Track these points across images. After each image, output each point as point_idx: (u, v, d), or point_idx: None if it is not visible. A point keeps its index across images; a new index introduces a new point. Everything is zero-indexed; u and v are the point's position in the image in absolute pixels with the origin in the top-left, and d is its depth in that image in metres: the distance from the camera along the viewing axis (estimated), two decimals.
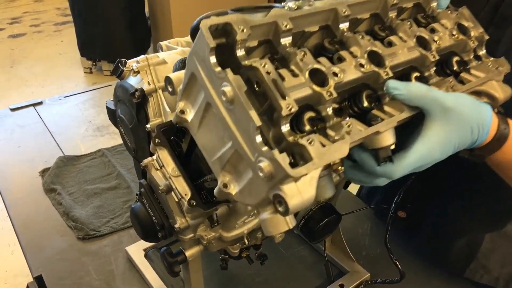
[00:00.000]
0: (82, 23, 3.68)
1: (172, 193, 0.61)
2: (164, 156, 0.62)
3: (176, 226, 0.63)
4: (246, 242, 0.73)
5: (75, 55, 4.08)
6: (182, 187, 0.60)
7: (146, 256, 0.99)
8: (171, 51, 0.79)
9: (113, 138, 1.48)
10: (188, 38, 0.88)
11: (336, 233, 1.03)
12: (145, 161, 0.64)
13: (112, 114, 0.80)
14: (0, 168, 1.33)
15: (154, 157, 0.64)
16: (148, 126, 0.68)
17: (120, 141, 1.44)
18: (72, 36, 4.10)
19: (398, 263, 0.91)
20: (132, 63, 0.73)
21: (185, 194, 0.59)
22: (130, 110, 0.71)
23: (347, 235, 1.04)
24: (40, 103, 1.64)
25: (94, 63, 3.94)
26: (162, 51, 0.84)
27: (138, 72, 0.71)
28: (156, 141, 0.62)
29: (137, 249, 1.04)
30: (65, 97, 1.70)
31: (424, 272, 1.03)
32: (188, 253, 0.72)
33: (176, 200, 0.60)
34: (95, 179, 1.30)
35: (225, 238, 0.70)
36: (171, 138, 0.62)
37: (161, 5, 3.84)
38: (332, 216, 0.81)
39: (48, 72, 4.02)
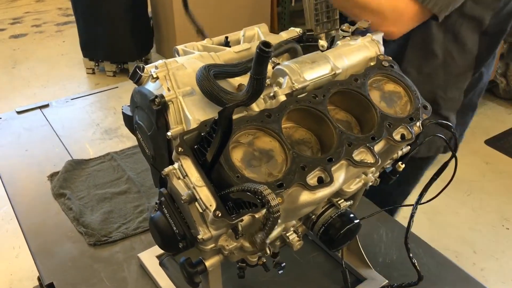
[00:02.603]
0: (85, 24, 3.66)
1: (196, 203, 0.59)
2: (187, 165, 0.60)
3: (199, 237, 0.61)
4: (268, 252, 0.71)
5: (77, 56, 4.06)
6: (206, 198, 0.58)
7: (161, 264, 0.97)
8: (189, 56, 0.77)
9: (121, 141, 1.46)
10: (205, 42, 0.87)
11: (353, 240, 1.01)
12: (166, 169, 0.62)
13: (128, 120, 0.78)
14: (7, 172, 1.32)
15: (176, 165, 0.62)
16: (169, 133, 0.66)
17: (129, 145, 1.44)
18: (74, 37, 4.08)
19: (416, 264, 0.90)
20: (151, 68, 0.71)
21: (210, 205, 0.57)
22: (149, 116, 0.70)
23: (362, 241, 1.02)
24: (47, 105, 1.63)
25: (96, 64, 3.92)
26: (179, 55, 0.82)
27: (157, 78, 0.69)
28: (179, 150, 0.60)
29: (150, 256, 1.02)
30: (71, 99, 1.69)
31: (443, 276, 1.01)
32: (208, 263, 0.70)
33: (200, 210, 0.59)
34: (104, 184, 1.28)
35: (247, 248, 0.69)
36: (195, 146, 0.60)
37: (164, 6, 3.82)
38: (353, 224, 0.79)
39: (50, 73, 4.00)
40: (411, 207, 0.90)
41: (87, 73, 3.95)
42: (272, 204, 0.49)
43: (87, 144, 1.45)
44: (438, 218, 2.44)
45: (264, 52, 0.60)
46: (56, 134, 1.48)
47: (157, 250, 1.03)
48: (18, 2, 5.54)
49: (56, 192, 1.23)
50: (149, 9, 3.96)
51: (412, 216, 0.91)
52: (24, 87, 3.79)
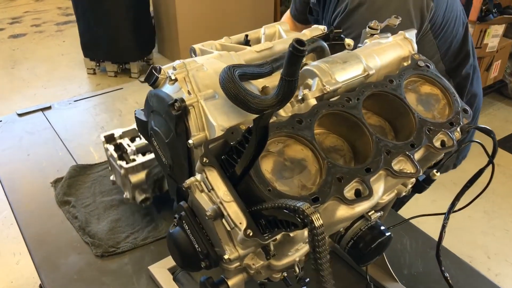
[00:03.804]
0: (86, 23, 3.59)
1: (223, 220, 0.53)
2: (213, 177, 0.54)
3: (226, 257, 0.55)
4: (297, 271, 0.65)
5: (77, 56, 3.99)
6: (235, 214, 0.52)
7: (174, 279, 0.91)
8: (208, 56, 0.71)
9: None
10: (223, 40, 0.81)
11: None
12: (188, 181, 0.56)
13: (142, 126, 0.72)
14: (9, 178, 1.25)
15: (199, 177, 0.56)
16: (190, 141, 0.59)
17: None
18: (74, 36, 4.01)
19: (448, 278, 0.85)
20: (168, 69, 0.65)
21: (240, 223, 0.51)
22: (167, 122, 0.63)
23: (385, 252, 0.96)
24: (49, 107, 1.56)
25: (97, 64, 3.85)
26: (196, 55, 0.76)
27: (175, 79, 0.63)
28: (204, 161, 0.54)
29: (161, 269, 0.96)
30: (74, 101, 1.62)
31: None
32: (231, 282, 0.64)
33: (228, 228, 0.52)
34: (111, 190, 1.21)
35: (275, 266, 0.62)
36: (222, 157, 0.54)
37: (166, 4, 3.76)
38: (385, 237, 0.73)
39: (50, 73, 3.93)
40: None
41: (88, 73, 3.88)
42: (316, 225, 0.43)
43: (92, 148, 1.39)
44: (450, 222, 2.37)
45: (298, 51, 0.54)
46: (59, 137, 1.41)
47: (168, 262, 0.97)
48: (17, 2, 5.47)
49: (60, 200, 1.17)
50: (151, 8, 3.89)
51: (444, 227, 0.85)
52: (24, 87, 3.72)
